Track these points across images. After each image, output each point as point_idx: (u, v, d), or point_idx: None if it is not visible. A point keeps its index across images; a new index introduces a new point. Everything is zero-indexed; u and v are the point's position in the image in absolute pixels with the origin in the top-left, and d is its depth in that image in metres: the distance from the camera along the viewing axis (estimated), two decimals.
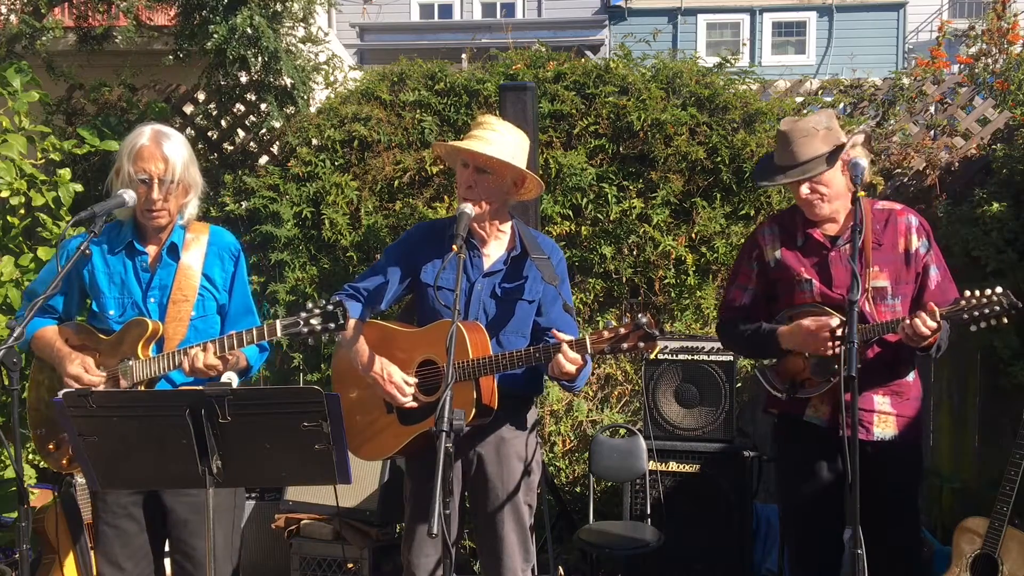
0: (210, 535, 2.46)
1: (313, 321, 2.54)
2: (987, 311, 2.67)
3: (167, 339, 2.80)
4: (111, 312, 2.83)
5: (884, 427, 2.92)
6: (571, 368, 2.62)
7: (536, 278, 2.88)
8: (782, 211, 3.41)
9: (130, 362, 2.75)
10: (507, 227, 2.96)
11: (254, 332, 2.64)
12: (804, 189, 2.88)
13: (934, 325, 2.69)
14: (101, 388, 2.75)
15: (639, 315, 2.54)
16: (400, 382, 2.78)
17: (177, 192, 2.80)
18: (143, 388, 2.74)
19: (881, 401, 2.93)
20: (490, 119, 2.94)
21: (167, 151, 2.76)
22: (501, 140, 2.83)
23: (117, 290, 2.84)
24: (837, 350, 2.77)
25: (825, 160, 2.86)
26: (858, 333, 2.73)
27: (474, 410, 2.71)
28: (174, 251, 2.86)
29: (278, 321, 2.60)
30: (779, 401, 3.01)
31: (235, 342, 2.66)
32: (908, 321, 2.71)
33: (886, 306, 2.90)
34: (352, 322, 2.80)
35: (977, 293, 2.69)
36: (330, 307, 2.54)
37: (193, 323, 2.85)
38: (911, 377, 2.98)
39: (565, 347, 2.60)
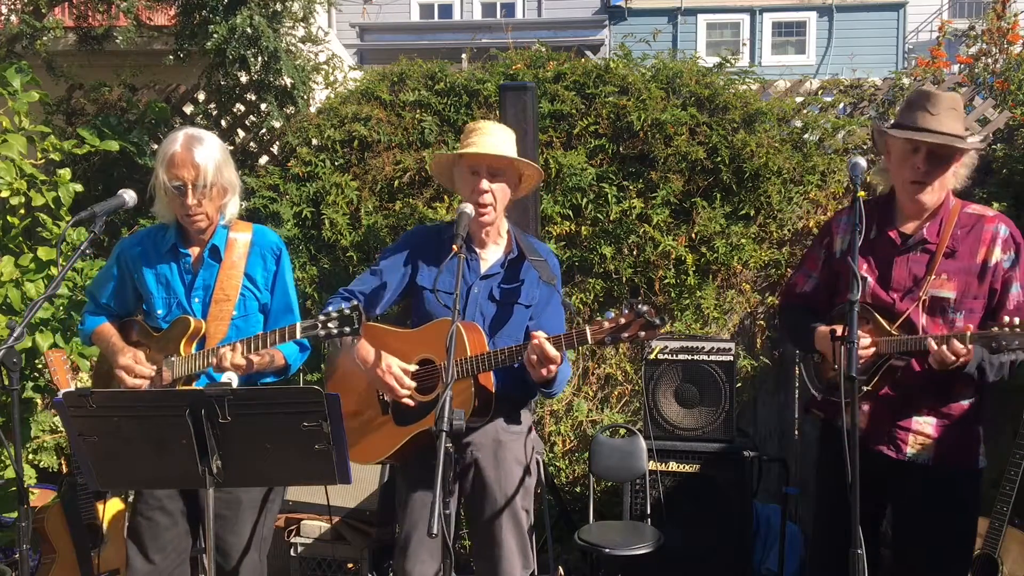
0: (209, 534, 2.49)
1: (331, 324, 2.59)
2: (1016, 343, 2.43)
3: (209, 337, 2.87)
4: (159, 312, 2.93)
5: (919, 449, 2.72)
6: (555, 354, 2.57)
7: (533, 281, 2.88)
8: (869, 199, 3.15)
9: (173, 359, 2.83)
10: (505, 231, 2.96)
11: (276, 333, 2.70)
12: (919, 165, 2.64)
13: (961, 349, 2.49)
14: (146, 384, 2.86)
15: (639, 304, 2.51)
16: (399, 374, 2.77)
17: (212, 195, 2.85)
18: (182, 384, 2.83)
19: (922, 421, 2.72)
20: (479, 124, 2.92)
21: (198, 157, 2.80)
22: (502, 143, 2.85)
23: (164, 290, 2.93)
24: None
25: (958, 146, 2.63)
26: (886, 346, 2.64)
27: (475, 402, 2.71)
28: (216, 253, 2.92)
29: (298, 323, 2.65)
30: (816, 401, 2.93)
31: (260, 343, 2.72)
32: (936, 347, 2.52)
33: (945, 319, 2.67)
34: None
35: (1016, 321, 2.45)
36: (347, 311, 2.58)
37: (235, 322, 2.91)
38: (966, 402, 2.73)
39: (546, 344, 2.57)
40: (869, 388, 2.71)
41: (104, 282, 3.05)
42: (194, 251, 2.94)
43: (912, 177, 2.68)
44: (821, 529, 3.02)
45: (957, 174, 2.74)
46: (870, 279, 2.75)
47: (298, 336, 2.64)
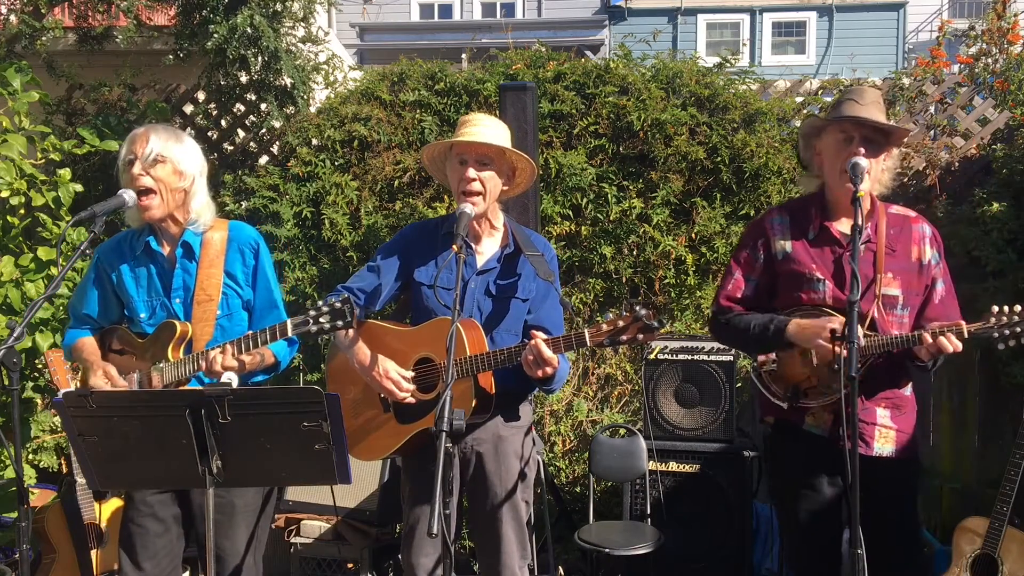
0: (209, 535, 2.49)
1: (322, 319, 2.55)
2: (1018, 329, 2.53)
3: (195, 340, 2.82)
4: (142, 315, 2.87)
5: (884, 442, 2.81)
6: (550, 356, 2.59)
7: (530, 275, 2.88)
8: (792, 200, 3.15)
9: (162, 364, 2.78)
10: (500, 224, 2.96)
11: (267, 332, 2.66)
12: (861, 150, 2.68)
13: (959, 346, 2.57)
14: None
15: (638, 307, 2.51)
16: (397, 377, 2.77)
17: (163, 175, 2.78)
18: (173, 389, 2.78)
19: (883, 414, 2.81)
20: (469, 116, 2.93)
21: (151, 134, 2.81)
22: (492, 132, 2.84)
23: (145, 293, 2.88)
24: (837, 348, 2.60)
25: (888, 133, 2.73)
26: (875, 346, 2.65)
27: (474, 401, 2.71)
28: (189, 251, 2.87)
29: (289, 321, 2.61)
30: (778, 409, 2.87)
31: (251, 343, 2.67)
32: (932, 340, 2.57)
33: (895, 316, 2.75)
34: None
35: (1006, 309, 2.55)
36: (338, 304, 2.55)
37: (219, 322, 2.86)
38: (908, 391, 2.87)
39: (542, 346, 2.59)
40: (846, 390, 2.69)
41: (85, 292, 2.97)
42: (168, 250, 2.88)
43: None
44: (796, 547, 2.98)
45: (881, 178, 2.80)
46: (828, 282, 2.75)
47: (290, 334, 2.60)
